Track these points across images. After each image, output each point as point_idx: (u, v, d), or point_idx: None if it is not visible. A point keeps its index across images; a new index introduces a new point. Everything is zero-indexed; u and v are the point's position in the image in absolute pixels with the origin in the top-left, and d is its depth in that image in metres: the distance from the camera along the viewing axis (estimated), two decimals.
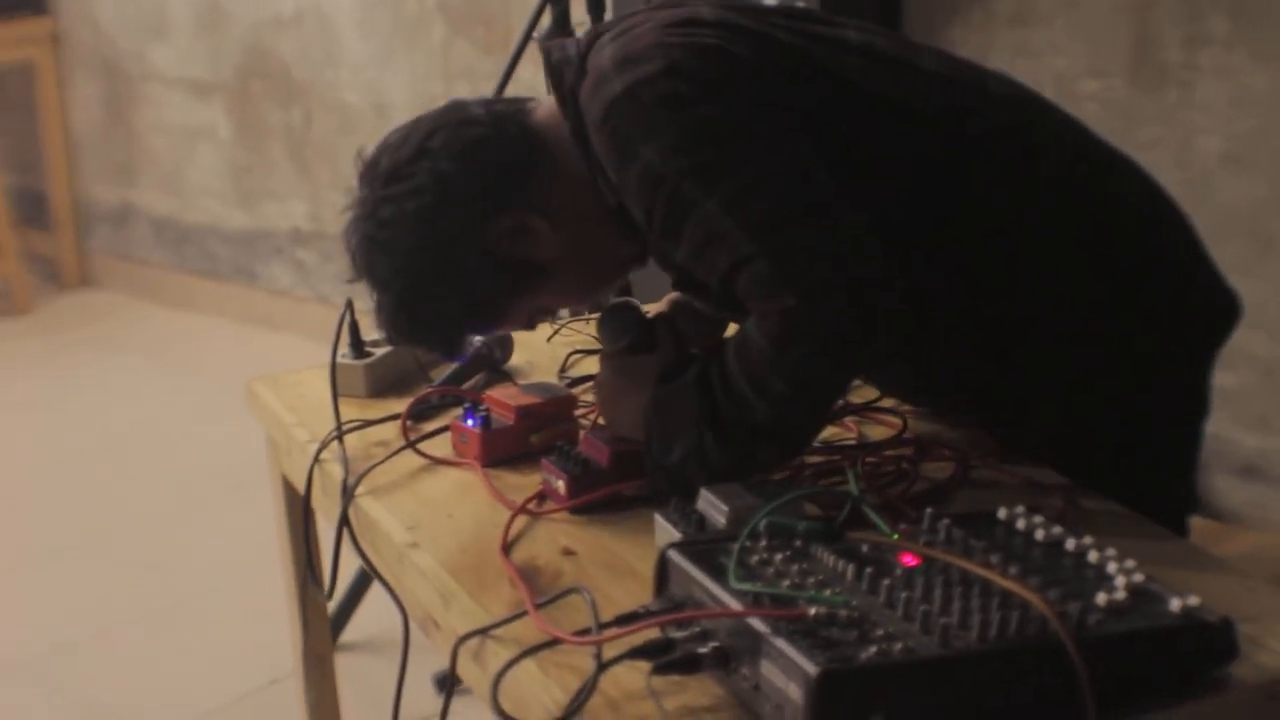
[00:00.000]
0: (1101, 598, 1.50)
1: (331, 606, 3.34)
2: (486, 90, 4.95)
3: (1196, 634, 1.50)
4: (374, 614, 3.67)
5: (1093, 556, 1.60)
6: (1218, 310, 2.10)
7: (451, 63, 5.27)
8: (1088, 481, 1.97)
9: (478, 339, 2.42)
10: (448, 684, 1.73)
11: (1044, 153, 2.02)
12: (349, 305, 2.36)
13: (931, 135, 1.96)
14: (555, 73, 2.00)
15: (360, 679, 3.33)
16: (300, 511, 2.29)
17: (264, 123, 6.02)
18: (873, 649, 1.39)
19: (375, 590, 3.57)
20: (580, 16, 3.47)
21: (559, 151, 1.99)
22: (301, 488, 2.24)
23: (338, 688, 2.73)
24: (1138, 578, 1.55)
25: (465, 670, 1.74)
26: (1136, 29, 3.63)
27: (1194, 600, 1.51)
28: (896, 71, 1.98)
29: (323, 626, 2.62)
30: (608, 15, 3.47)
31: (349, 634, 3.71)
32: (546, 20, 3.50)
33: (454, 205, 1.96)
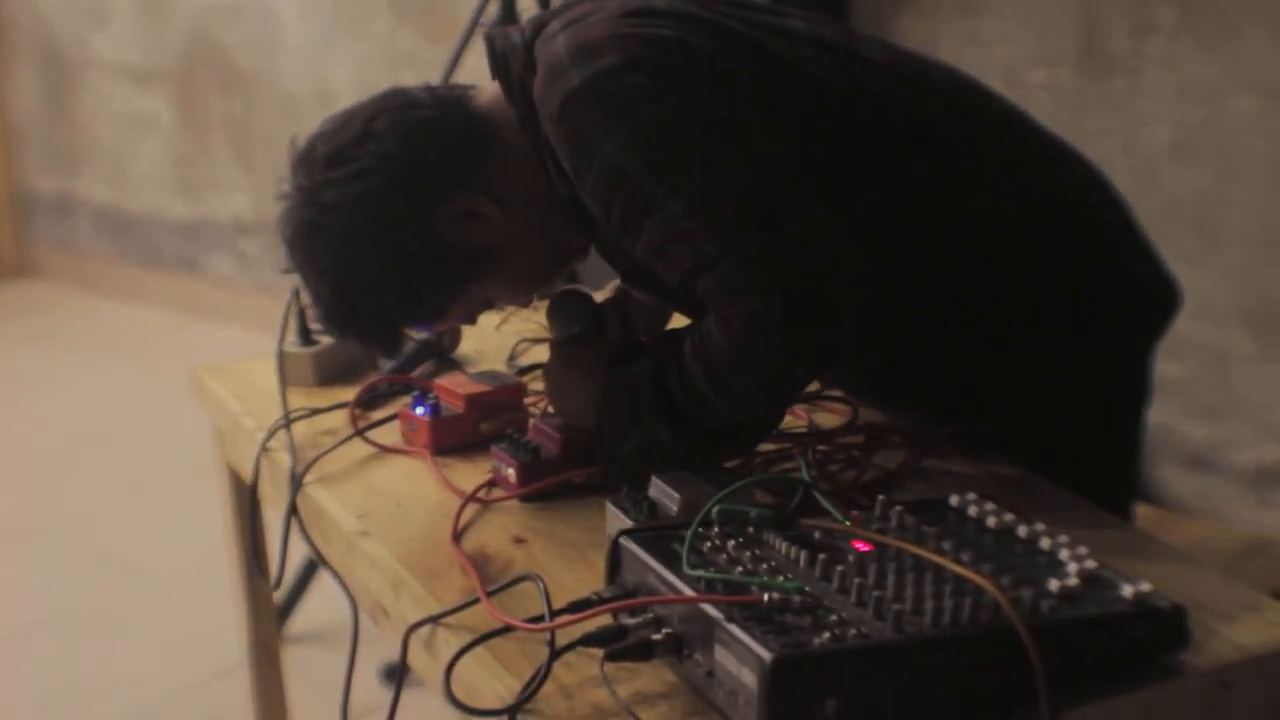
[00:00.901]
0: (1054, 584, 1.50)
1: (278, 597, 3.32)
2: (432, 79, 4.92)
3: (1149, 620, 1.50)
4: (320, 605, 3.65)
5: (1045, 543, 1.60)
6: (1159, 298, 2.11)
7: (395, 51, 5.25)
8: (1035, 469, 1.97)
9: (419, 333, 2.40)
10: (398, 673, 1.72)
11: (988, 142, 2.02)
12: (295, 293, 2.34)
13: (879, 127, 1.94)
14: (500, 60, 1.96)
15: (307, 670, 3.30)
16: (247, 501, 2.27)
17: (206, 111, 5.97)
18: (826, 635, 1.39)
19: (321, 582, 3.56)
20: (527, 4, 3.45)
21: (505, 139, 1.95)
22: (248, 477, 2.22)
23: (285, 679, 2.72)
24: (1090, 564, 1.55)
25: (416, 659, 1.73)
26: (1084, 18, 3.65)
27: (1146, 586, 1.51)
28: (844, 62, 1.96)
29: (269, 617, 2.61)
30: (555, 3, 3.45)
31: (295, 625, 3.69)
32: (493, 9, 3.49)
33: (401, 188, 1.91)
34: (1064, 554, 1.58)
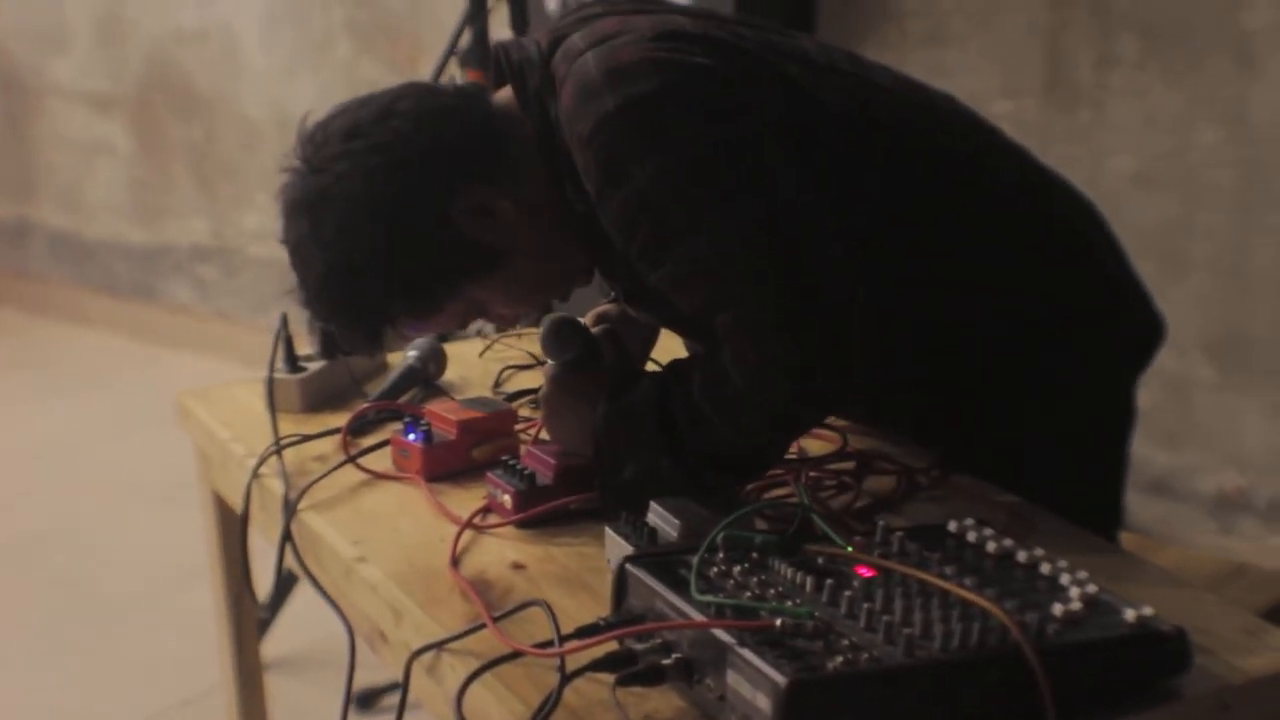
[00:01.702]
0: (1058, 608, 1.52)
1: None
2: None
3: (1151, 644, 1.52)
4: (288, 631, 3.64)
5: (1045, 568, 1.62)
6: (1146, 330, 2.14)
7: (358, 78, 5.25)
8: (1022, 494, 1.99)
9: (410, 355, 2.41)
10: (400, 698, 1.72)
11: (989, 172, 2.05)
12: (284, 320, 2.35)
13: (887, 152, 1.96)
14: (516, 71, 1.93)
15: (278, 697, 3.29)
16: (234, 526, 2.27)
17: (165, 138, 5.97)
18: (839, 659, 1.40)
19: (288, 606, 3.56)
20: (500, 32, 3.47)
21: (521, 147, 1.92)
22: (237, 503, 2.22)
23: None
24: (1091, 588, 1.57)
25: (418, 685, 1.73)
26: (1049, 50, 3.69)
27: (1148, 610, 1.53)
28: (854, 86, 1.97)
29: (253, 643, 2.60)
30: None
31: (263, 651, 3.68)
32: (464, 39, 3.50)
33: (420, 169, 1.87)
34: (1065, 579, 1.59)
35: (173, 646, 3.76)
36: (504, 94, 1.98)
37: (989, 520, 1.73)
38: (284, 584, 3.37)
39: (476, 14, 3.36)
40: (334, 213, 1.88)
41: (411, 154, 1.88)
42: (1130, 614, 1.53)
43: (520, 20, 3.37)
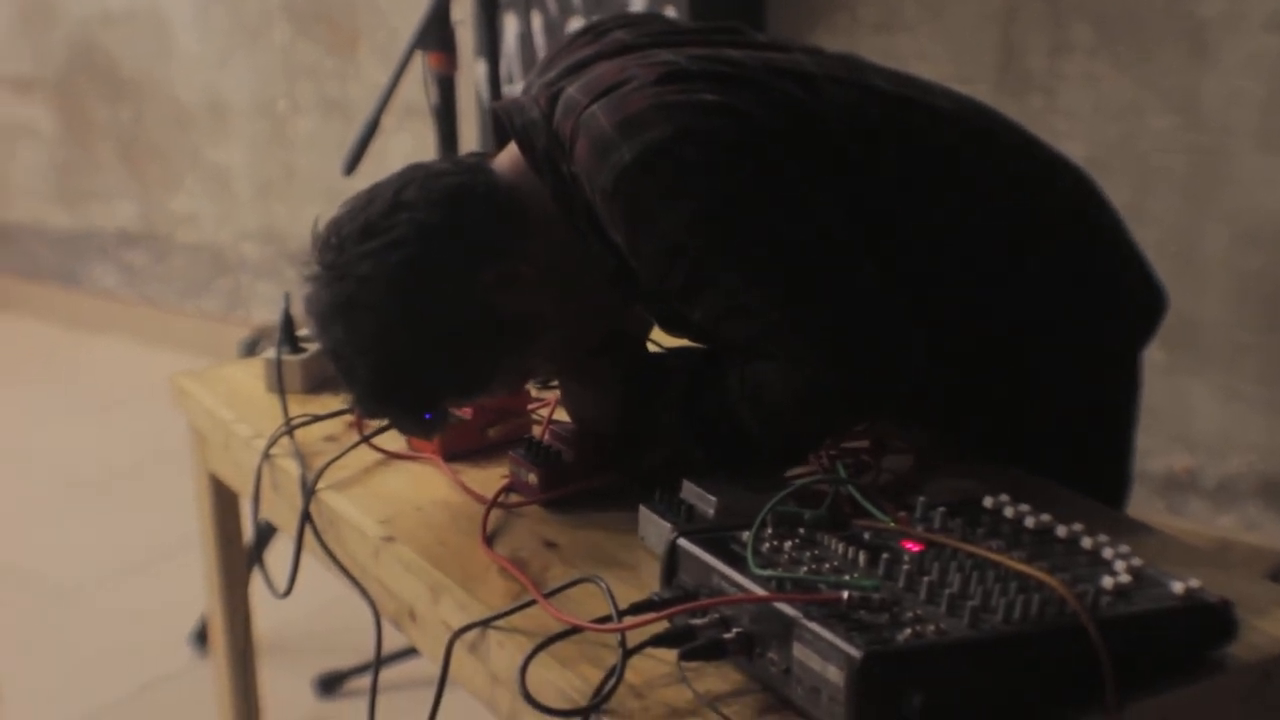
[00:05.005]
0: (1107, 581, 1.55)
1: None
2: (333, 91, 4.92)
3: (1199, 615, 1.55)
4: None
5: (1086, 542, 1.64)
6: (1150, 301, 2.18)
7: (295, 63, 5.22)
8: (1037, 470, 2.02)
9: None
10: (440, 677, 1.72)
11: (998, 159, 2.07)
12: (286, 299, 2.34)
13: (898, 155, 1.97)
14: (522, 135, 1.92)
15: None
16: (232, 507, 2.26)
17: (90, 120, 5.90)
18: (907, 631, 1.42)
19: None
20: (459, 15, 3.44)
21: (536, 208, 1.92)
22: (238, 484, 2.22)
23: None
24: (1135, 561, 1.60)
25: (456, 663, 1.72)
26: (1002, 36, 3.73)
27: (1195, 583, 1.56)
28: (857, 96, 1.98)
29: (247, 624, 2.59)
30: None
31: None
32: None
33: (442, 255, 1.87)
34: (1107, 552, 1.62)
35: (122, 635, 3.73)
36: (508, 156, 1.98)
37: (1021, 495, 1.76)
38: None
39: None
40: (366, 317, 1.87)
41: (429, 242, 1.87)
42: (1178, 586, 1.56)
43: (491, 4, 3.35)
